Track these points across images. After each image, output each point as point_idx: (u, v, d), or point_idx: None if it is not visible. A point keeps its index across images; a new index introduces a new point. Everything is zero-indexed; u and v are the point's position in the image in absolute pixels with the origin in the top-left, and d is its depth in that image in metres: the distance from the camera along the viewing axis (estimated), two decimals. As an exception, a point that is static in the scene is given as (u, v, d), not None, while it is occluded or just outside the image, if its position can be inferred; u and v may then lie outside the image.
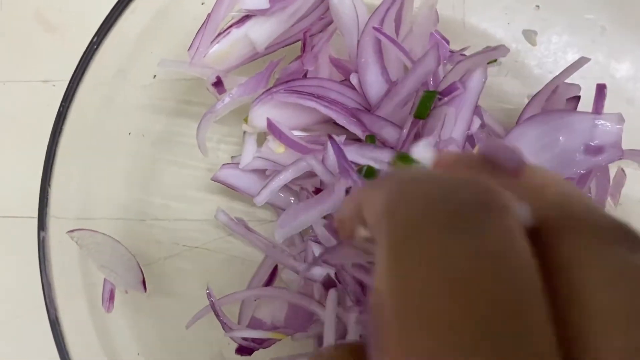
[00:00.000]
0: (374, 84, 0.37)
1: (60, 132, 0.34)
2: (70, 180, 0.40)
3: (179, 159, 0.48)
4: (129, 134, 0.43)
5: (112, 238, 0.37)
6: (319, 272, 0.36)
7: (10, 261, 0.51)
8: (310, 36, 0.37)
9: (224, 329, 0.38)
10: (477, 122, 0.37)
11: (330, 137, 0.35)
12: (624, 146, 0.39)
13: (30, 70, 0.56)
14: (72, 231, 0.35)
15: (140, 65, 0.43)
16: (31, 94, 0.55)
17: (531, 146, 0.36)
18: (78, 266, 0.39)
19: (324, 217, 0.37)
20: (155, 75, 0.40)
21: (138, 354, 0.38)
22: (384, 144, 0.37)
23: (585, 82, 0.43)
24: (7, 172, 0.54)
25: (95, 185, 0.43)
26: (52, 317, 0.34)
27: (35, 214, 0.38)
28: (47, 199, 0.34)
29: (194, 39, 0.36)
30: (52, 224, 0.36)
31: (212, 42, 0.35)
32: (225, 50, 0.35)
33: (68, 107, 0.38)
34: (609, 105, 0.42)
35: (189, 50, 0.36)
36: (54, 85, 0.55)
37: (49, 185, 0.34)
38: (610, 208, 0.40)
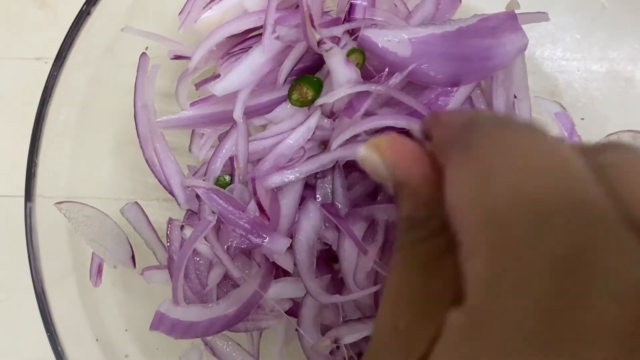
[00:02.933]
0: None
1: (48, 103, 0.33)
2: (58, 159, 0.39)
3: (169, 138, 0.47)
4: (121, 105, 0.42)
5: (101, 212, 0.37)
6: None
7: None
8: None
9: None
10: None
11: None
12: (624, 127, 0.38)
13: (23, 48, 0.55)
14: (60, 203, 0.34)
15: (129, 42, 0.42)
16: (23, 72, 0.54)
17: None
18: (66, 244, 0.39)
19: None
20: (147, 47, 0.39)
21: (126, 330, 0.38)
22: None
23: (585, 64, 0.43)
24: (-2, 150, 0.53)
25: (84, 165, 0.42)
26: (38, 289, 0.34)
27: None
28: (34, 169, 0.33)
29: (186, 2, 0.35)
30: (40, 202, 0.36)
31: (204, 8, 0.35)
32: (218, 17, 0.35)
33: (57, 76, 0.37)
34: (607, 86, 0.42)
35: (179, 14, 0.36)
36: (45, 63, 0.54)
37: (37, 156, 0.33)
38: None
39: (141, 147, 0.38)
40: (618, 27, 0.41)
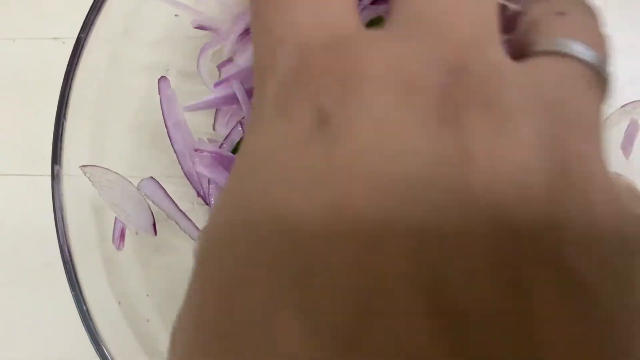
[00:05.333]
0: None
1: (76, 65, 0.34)
2: (79, 139, 0.40)
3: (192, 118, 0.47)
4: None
5: (124, 178, 0.37)
6: None
7: (20, 219, 0.51)
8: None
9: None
10: None
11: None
12: (636, 96, 0.39)
13: (41, 28, 0.56)
14: (85, 166, 0.35)
15: (148, 21, 0.43)
16: (41, 51, 0.55)
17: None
18: (91, 217, 0.39)
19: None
20: (177, 15, 0.39)
21: (147, 296, 0.38)
22: None
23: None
24: (17, 130, 0.54)
25: (102, 145, 0.43)
26: (64, 252, 0.34)
27: (45, 172, 0.38)
28: (62, 130, 0.34)
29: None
30: (65, 181, 0.36)
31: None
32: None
33: (81, 51, 0.38)
34: (622, 61, 0.43)
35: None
36: (63, 43, 0.55)
37: (65, 117, 0.34)
38: (622, 162, 0.40)
39: (180, 163, 0.39)
40: (632, 3, 0.41)
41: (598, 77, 0.18)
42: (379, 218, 0.13)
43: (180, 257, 0.40)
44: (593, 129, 0.17)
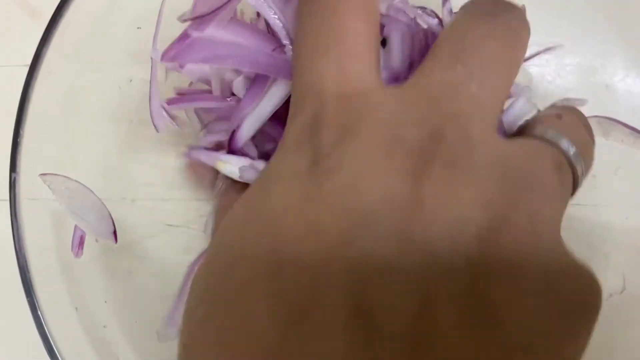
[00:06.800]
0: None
1: (37, 69, 0.35)
2: (40, 146, 0.40)
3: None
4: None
5: (85, 187, 0.38)
6: None
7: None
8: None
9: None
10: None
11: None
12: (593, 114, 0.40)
13: (11, 55, 0.56)
14: (44, 175, 0.36)
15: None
16: (11, 78, 0.55)
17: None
18: (51, 230, 0.39)
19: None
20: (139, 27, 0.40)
21: (105, 302, 0.39)
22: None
23: (556, 57, 0.44)
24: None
25: (69, 165, 0.42)
26: (21, 262, 0.35)
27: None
28: (20, 140, 0.35)
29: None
30: (26, 204, 0.36)
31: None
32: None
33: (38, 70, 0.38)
34: (578, 78, 0.43)
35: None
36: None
37: (22, 128, 0.35)
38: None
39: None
40: (587, 23, 0.42)
41: (571, 171, 0.22)
42: (330, 246, 0.17)
43: (140, 264, 0.40)
44: (554, 198, 0.20)
